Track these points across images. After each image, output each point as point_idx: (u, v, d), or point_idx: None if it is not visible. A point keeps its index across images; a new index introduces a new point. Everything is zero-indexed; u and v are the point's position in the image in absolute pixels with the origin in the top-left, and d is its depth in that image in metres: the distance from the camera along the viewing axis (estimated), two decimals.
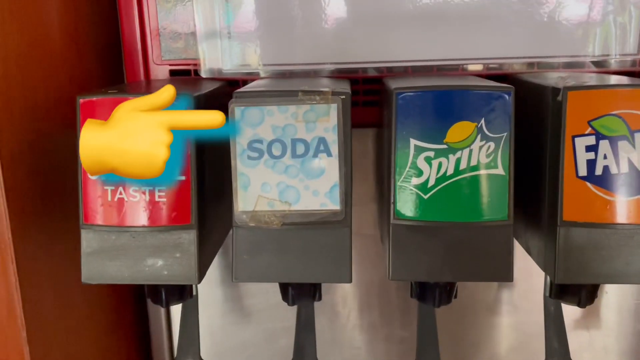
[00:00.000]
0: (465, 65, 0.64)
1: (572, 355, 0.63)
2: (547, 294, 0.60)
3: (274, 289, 0.62)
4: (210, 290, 0.77)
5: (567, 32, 0.62)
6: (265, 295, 0.77)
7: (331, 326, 0.78)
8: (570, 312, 0.75)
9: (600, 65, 0.63)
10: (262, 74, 0.65)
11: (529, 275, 0.73)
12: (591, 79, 0.54)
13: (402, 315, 0.77)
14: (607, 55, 0.62)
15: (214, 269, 0.76)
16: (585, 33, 0.62)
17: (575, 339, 0.75)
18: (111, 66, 0.70)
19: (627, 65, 0.62)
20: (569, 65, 0.63)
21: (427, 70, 0.64)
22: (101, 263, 0.50)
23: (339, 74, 0.65)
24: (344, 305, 0.78)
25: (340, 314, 0.78)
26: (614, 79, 0.54)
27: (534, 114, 0.52)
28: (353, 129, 0.53)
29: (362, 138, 0.69)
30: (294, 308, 0.64)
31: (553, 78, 0.55)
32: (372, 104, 0.66)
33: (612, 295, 0.75)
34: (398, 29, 0.63)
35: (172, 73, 0.67)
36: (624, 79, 0.55)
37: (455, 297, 0.58)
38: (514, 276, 0.75)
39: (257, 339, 0.79)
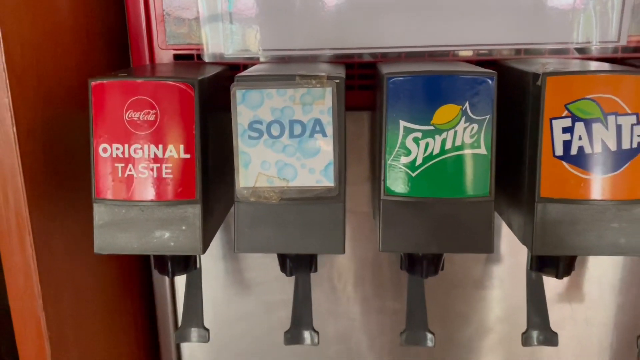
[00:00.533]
0: (455, 52, 0.66)
1: (555, 326, 0.66)
2: (529, 267, 0.63)
3: (273, 263, 0.65)
4: (213, 264, 0.79)
5: (553, 20, 0.64)
6: (265, 269, 0.79)
7: (327, 299, 0.80)
8: (553, 286, 0.77)
9: (584, 52, 0.65)
10: (262, 59, 0.66)
11: (516, 251, 0.77)
12: (571, 65, 0.56)
13: (394, 289, 0.79)
14: (590, 42, 0.64)
15: (217, 244, 0.78)
16: (570, 21, 0.64)
17: (559, 312, 0.78)
18: (117, 51, 0.72)
19: (608, 52, 0.65)
20: (555, 52, 0.65)
21: (420, 56, 0.66)
22: (112, 235, 0.53)
23: (335, 59, 0.66)
24: (339, 279, 0.80)
25: (335, 288, 0.80)
26: (593, 65, 0.56)
27: (517, 98, 0.55)
28: (349, 112, 0.54)
29: (357, 120, 0.71)
30: (292, 282, 0.67)
31: (536, 64, 0.57)
32: (367, 88, 0.67)
33: (593, 270, 0.77)
34: (392, 17, 0.65)
35: (176, 57, 0.68)
36: (605, 65, 0.57)
37: (442, 269, 0.61)
38: (501, 252, 0.79)
39: (257, 310, 0.81)
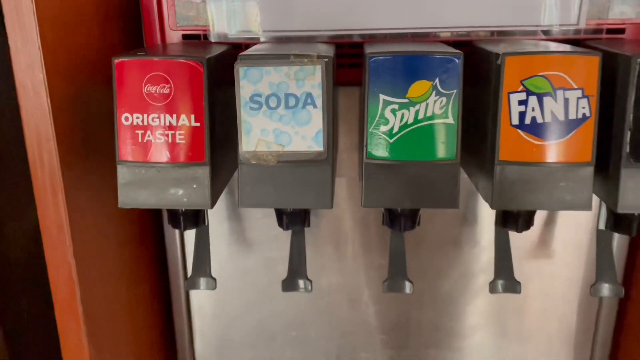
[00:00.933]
0: (436, 33, 0.71)
1: (523, 281, 0.73)
2: (495, 223, 0.71)
3: (272, 223, 0.70)
4: (218, 224, 0.84)
5: (522, 5, 0.70)
6: (265, 229, 0.84)
7: (320, 255, 0.86)
8: (522, 244, 0.83)
9: (549, 34, 0.70)
10: (262, 39, 0.70)
11: (491, 215, 0.84)
12: (530, 46, 0.62)
13: (380, 247, 0.85)
14: (553, 25, 0.70)
15: (222, 206, 0.84)
16: (537, 6, 0.69)
17: (526, 267, 0.85)
18: (131, 31, 0.76)
19: (570, 34, 0.70)
20: (524, 34, 0.70)
21: (403, 37, 0.71)
22: (133, 192, 0.58)
23: (328, 40, 0.70)
24: (331, 238, 0.86)
25: (328, 245, 0.86)
26: (548, 46, 0.63)
27: (483, 74, 0.61)
28: (341, 87, 0.58)
29: (349, 95, 0.75)
30: (289, 239, 0.74)
31: (501, 45, 0.63)
32: (356, 65, 0.72)
33: (558, 230, 0.83)
34: (379, 2, 0.69)
35: (185, 37, 0.71)
36: (558, 46, 0.62)
37: (419, 224, 0.67)
38: (477, 216, 0.86)
39: (257, 266, 0.86)
